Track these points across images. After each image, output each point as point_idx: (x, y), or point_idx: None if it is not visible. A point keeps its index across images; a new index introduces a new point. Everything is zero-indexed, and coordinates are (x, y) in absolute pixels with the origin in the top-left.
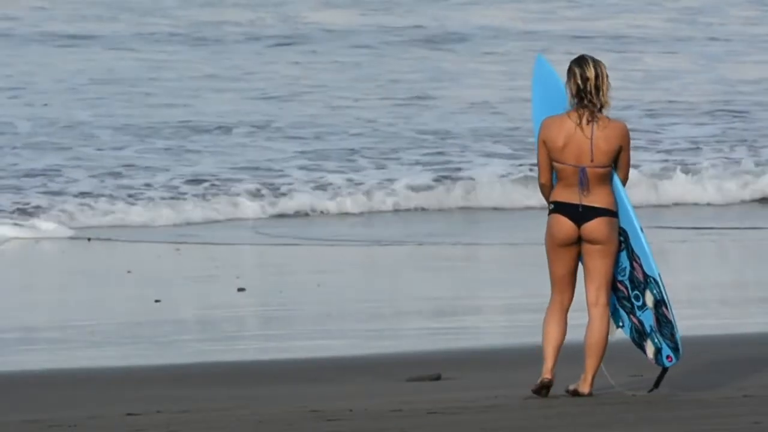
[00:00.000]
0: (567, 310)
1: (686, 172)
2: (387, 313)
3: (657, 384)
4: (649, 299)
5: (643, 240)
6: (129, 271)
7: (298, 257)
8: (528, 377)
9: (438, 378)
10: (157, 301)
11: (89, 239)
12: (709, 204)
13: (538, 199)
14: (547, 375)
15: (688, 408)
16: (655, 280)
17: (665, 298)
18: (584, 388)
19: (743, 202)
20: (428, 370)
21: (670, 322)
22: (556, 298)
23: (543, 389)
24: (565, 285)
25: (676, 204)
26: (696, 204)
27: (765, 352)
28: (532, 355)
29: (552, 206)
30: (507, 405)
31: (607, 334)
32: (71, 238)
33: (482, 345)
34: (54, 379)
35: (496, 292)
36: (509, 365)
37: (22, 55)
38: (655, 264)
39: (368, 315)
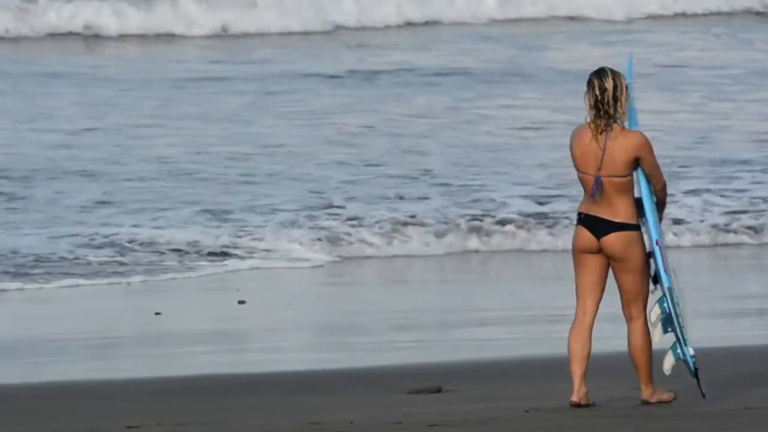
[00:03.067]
0: (591, 324)
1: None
2: (388, 325)
3: (701, 391)
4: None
5: (657, 252)
6: (128, 283)
7: (298, 269)
8: (529, 389)
9: (439, 390)
10: (157, 313)
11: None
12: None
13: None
14: (573, 398)
15: (689, 420)
16: (664, 292)
17: (673, 311)
18: (644, 396)
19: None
20: (429, 382)
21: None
22: (579, 311)
23: (578, 407)
24: (586, 295)
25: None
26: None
27: (766, 366)
28: (534, 367)
29: (577, 216)
30: (508, 417)
31: (647, 343)
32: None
33: (483, 357)
34: (54, 391)
35: (498, 304)
36: (510, 377)
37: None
38: (666, 276)
39: (369, 327)
